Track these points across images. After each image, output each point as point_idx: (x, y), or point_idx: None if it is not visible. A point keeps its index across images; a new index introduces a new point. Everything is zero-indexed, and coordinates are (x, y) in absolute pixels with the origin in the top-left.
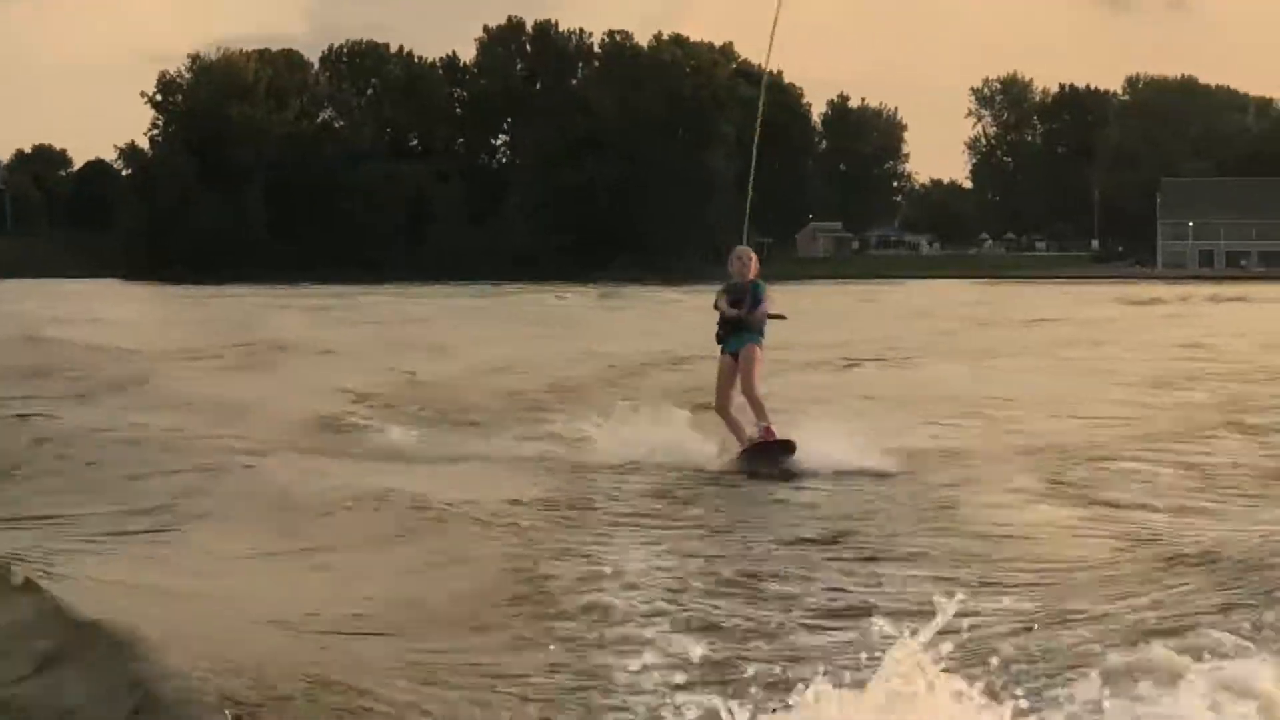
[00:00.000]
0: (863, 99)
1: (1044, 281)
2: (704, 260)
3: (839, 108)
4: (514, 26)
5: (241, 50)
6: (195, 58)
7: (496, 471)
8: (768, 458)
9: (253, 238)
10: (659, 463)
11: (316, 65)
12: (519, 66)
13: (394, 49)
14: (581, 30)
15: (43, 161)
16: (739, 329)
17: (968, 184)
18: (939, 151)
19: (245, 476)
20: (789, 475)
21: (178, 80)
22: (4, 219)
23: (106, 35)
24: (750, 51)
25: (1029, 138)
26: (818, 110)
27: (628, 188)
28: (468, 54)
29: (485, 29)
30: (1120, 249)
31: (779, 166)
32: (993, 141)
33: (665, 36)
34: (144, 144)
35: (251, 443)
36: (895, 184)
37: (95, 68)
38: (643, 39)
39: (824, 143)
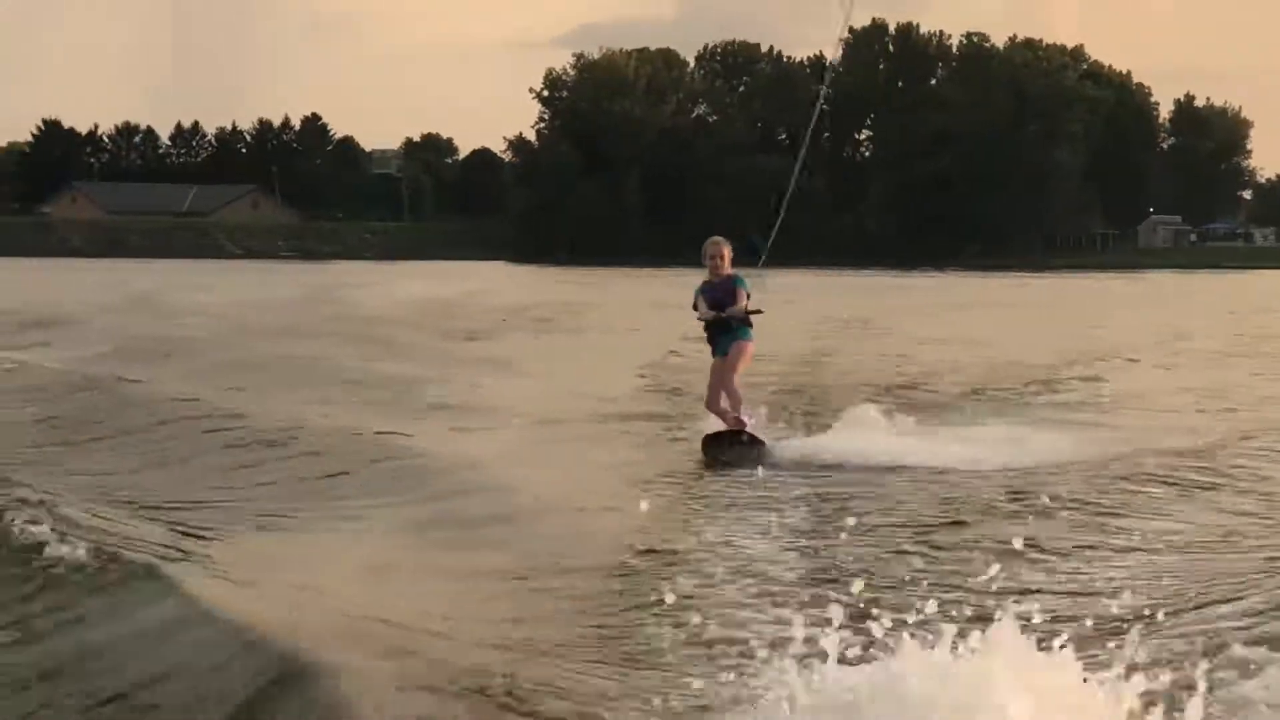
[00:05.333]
0: (1208, 98)
1: None
2: (1045, 248)
3: (1185, 107)
4: (878, 28)
5: (622, 50)
6: (580, 56)
7: None
8: (734, 447)
9: (629, 224)
10: None
11: (692, 64)
12: (881, 66)
13: (764, 49)
14: (941, 33)
15: (431, 150)
16: (726, 330)
17: None
18: None
19: None
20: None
21: (563, 78)
22: (400, 205)
23: (476, 24)
24: (1100, 53)
25: None
26: (1165, 109)
27: (978, 181)
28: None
29: (850, 30)
30: None
31: (1122, 162)
32: None
33: (1019, 39)
34: (530, 135)
35: None
36: (1242, 179)
37: (466, 56)
38: (998, 40)
39: (1171, 140)
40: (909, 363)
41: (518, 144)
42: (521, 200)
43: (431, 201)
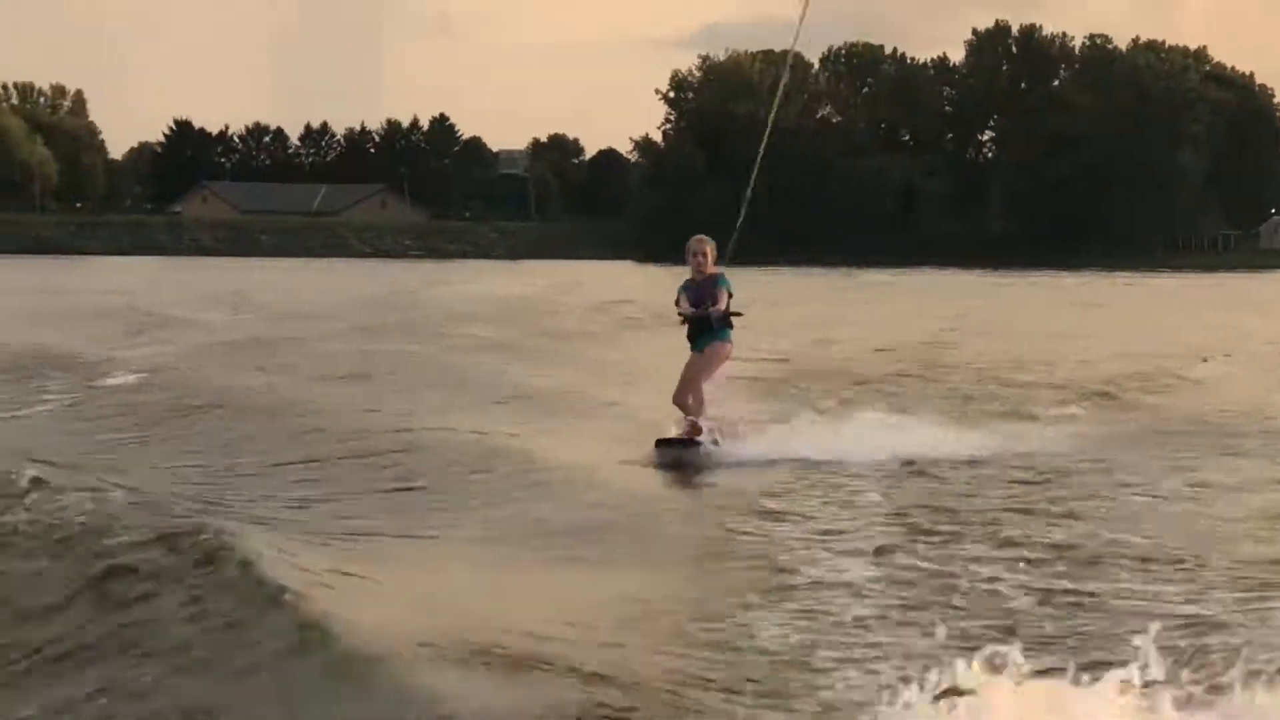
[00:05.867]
0: None
1: None
2: (1166, 249)
3: None
4: (1000, 30)
5: (747, 52)
6: (705, 58)
7: None
8: (677, 451)
9: (755, 223)
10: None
11: (816, 65)
12: (1004, 68)
13: (888, 51)
14: (1064, 34)
15: (558, 150)
16: (707, 329)
17: None
18: None
19: None
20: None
21: (688, 79)
22: (527, 205)
23: (602, 24)
24: (1223, 55)
25: None
26: None
27: (1100, 182)
28: (956, 55)
29: (974, 32)
30: None
31: (1244, 163)
32: None
33: (1141, 41)
34: (656, 136)
35: None
36: None
37: (592, 56)
38: (1121, 42)
39: None
40: (990, 359)
41: (644, 145)
42: (647, 201)
43: (558, 201)
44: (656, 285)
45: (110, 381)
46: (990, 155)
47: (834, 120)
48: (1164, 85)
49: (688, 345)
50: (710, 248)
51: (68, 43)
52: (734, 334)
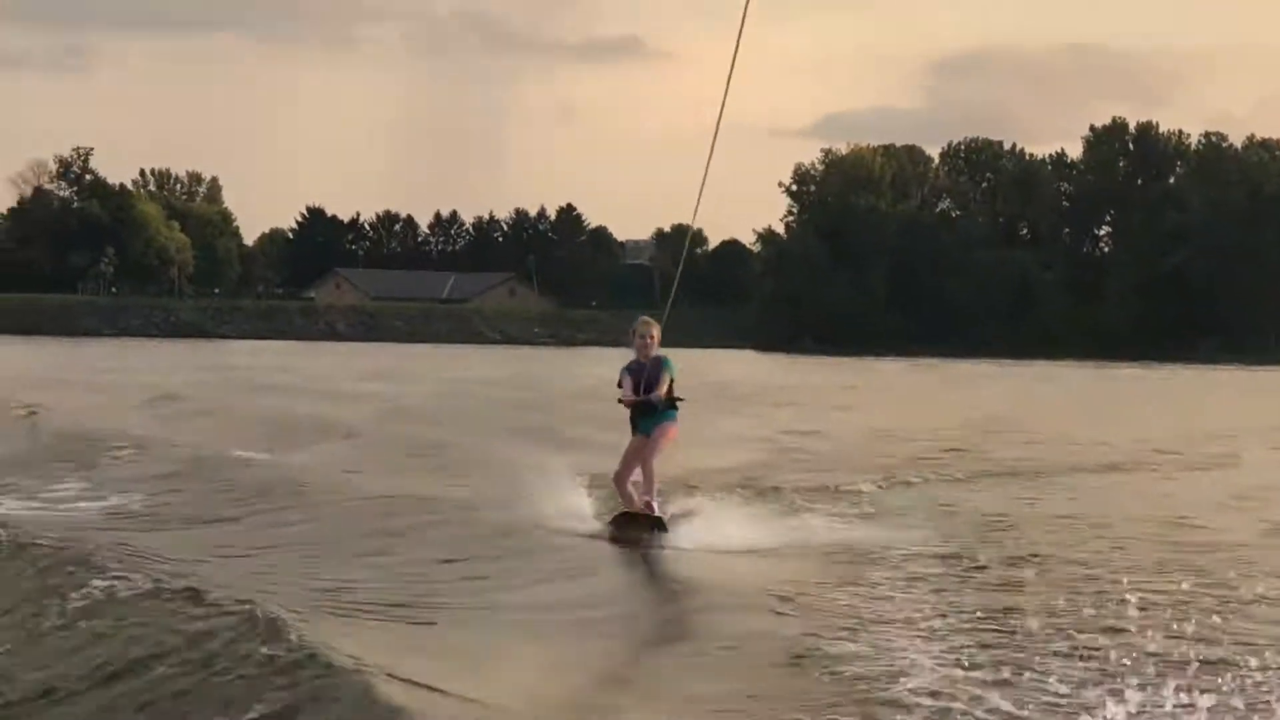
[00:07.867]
0: None
1: None
2: None
3: None
4: (1118, 127)
5: (869, 145)
6: (827, 152)
7: None
8: (637, 528)
9: (874, 314)
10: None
11: (936, 160)
12: (1121, 164)
13: (1007, 146)
14: (1180, 131)
15: (682, 240)
16: (650, 412)
17: None
18: None
19: None
20: (657, 544)
21: (810, 171)
22: (652, 294)
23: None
24: None
25: None
26: None
27: (1213, 277)
28: (1075, 151)
29: (1091, 128)
30: None
31: None
32: None
33: (1256, 139)
34: (778, 227)
35: None
36: None
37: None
38: (1237, 139)
39: None
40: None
41: (766, 236)
42: (769, 290)
43: (682, 291)
44: (761, 371)
45: None
46: (1106, 250)
47: (954, 214)
48: (1277, 183)
49: (630, 427)
50: (656, 330)
51: (203, 131)
52: (680, 415)
